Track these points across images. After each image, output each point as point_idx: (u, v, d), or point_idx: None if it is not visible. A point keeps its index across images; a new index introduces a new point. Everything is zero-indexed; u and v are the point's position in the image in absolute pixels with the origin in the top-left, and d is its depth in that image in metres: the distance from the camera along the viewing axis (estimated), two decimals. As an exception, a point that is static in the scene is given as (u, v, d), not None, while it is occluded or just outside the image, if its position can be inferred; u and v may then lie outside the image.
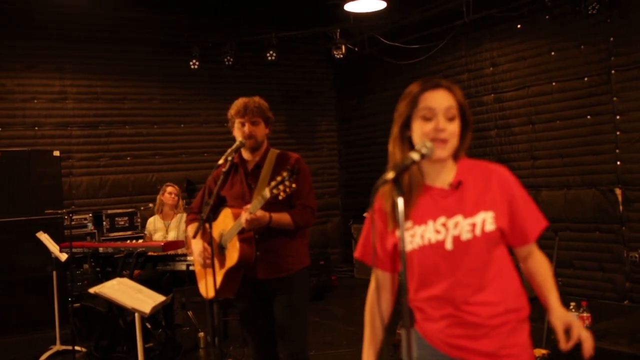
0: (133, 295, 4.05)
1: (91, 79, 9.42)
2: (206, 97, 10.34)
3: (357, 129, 11.31)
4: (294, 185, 3.17)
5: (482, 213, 2.09)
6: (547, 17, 7.86)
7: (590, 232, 7.55)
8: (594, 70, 7.42)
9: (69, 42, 9.20)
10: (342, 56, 9.51)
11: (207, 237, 3.37)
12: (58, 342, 6.53)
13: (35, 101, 9.03)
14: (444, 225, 2.10)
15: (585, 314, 4.83)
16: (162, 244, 5.85)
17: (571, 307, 4.87)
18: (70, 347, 5.89)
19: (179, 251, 6.03)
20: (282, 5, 9.41)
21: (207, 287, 3.49)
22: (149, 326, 5.94)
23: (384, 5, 8.19)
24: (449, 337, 2.11)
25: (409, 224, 2.13)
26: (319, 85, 11.63)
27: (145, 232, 7.19)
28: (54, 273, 6.53)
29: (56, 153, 8.21)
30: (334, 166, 11.76)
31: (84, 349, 6.26)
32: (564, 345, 2.06)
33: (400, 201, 1.75)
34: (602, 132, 7.38)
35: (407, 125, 2.15)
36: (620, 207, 7.27)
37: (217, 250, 3.58)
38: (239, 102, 3.65)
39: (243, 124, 3.60)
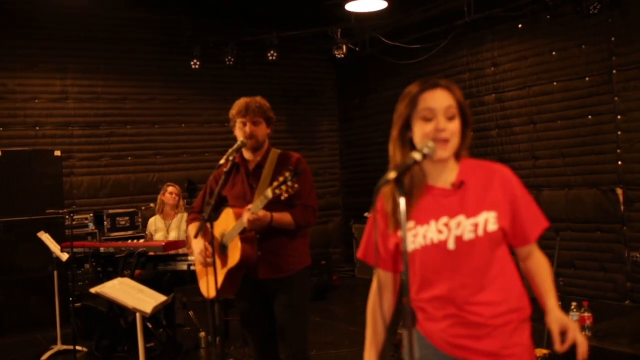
0: (134, 295, 4.05)
1: (92, 79, 9.42)
2: (207, 97, 10.34)
3: (358, 129, 11.31)
4: (296, 186, 3.17)
5: (484, 213, 2.09)
6: (548, 16, 7.86)
7: (591, 232, 7.55)
8: (595, 70, 7.41)
9: (70, 42, 9.20)
10: (343, 56, 9.51)
11: (209, 237, 3.37)
12: (59, 341, 6.53)
13: (36, 101, 9.03)
14: (446, 225, 2.10)
15: (586, 314, 4.83)
16: (163, 243, 5.85)
17: (572, 307, 4.86)
18: (71, 347, 5.90)
19: (180, 251, 6.03)
20: (283, 5, 9.40)
21: (208, 287, 3.49)
22: (150, 326, 5.94)
23: (385, 5, 8.19)
24: (451, 337, 2.11)
25: (411, 223, 2.13)
26: (320, 85, 11.63)
27: (146, 232, 7.19)
28: (55, 273, 6.53)
29: (57, 153, 8.21)
30: (335, 166, 11.76)
31: (85, 349, 6.26)
32: (559, 347, 2.06)
33: (402, 201, 1.74)
34: (603, 132, 7.37)
35: (407, 127, 2.15)
36: (622, 207, 7.26)
37: (219, 250, 3.58)
38: (241, 102, 3.65)
39: (244, 124, 3.60)
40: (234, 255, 3.47)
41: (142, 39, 9.71)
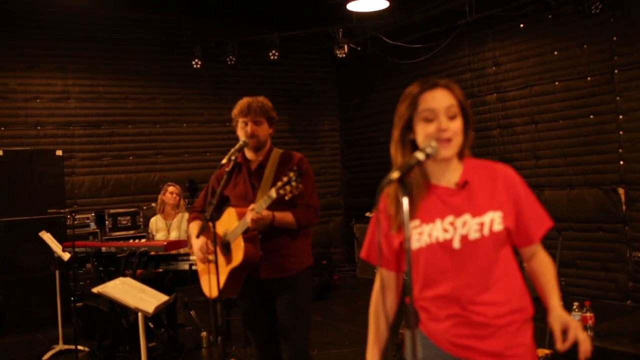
0: (136, 295, 4.05)
1: (93, 79, 9.43)
2: (208, 97, 10.35)
3: (359, 129, 11.31)
4: (300, 186, 3.17)
5: (490, 213, 2.09)
6: (549, 16, 7.85)
7: (593, 231, 7.54)
8: (597, 70, 7.41)
9: (71, 42, 9.21)
10: (344, 55, 9.52)
11: (211, 237, 3.37)
12: (61, 341, 6.54)
13: (38, 101, 9.04)
14: (452, 224, 2.10)
15: (588, 314, 4.82)
16: (165, 243, 5.85)
17: (574, 307, 4.85)
18: (73, 347, 5.90)
19: (182, 251, 6.03)
20: (284, 5, 9.40)
21: (210, 287, 3.49)
22: (151, 326, 5.94)
23: (386, 4, 8.18)
24: (454, 337, 2.11)
25: (416, 222, 2.13)
26: (321, 85, 11.63)
27: (148, 232, 7.20)
28: (57, 272, 6.53)
29: (59, 152, 8.21)
30: (336, 166, 11.76)
31: (86, 349, 6.26)
32: (561, 346, 2.06)
33: (405, 201, 1.74)
34: (605, 132, 7.37)
35: (408, 128, 2.15)
36: (623, 207, 7.26)
37: (221, 248, 3.58)
38: (243, 102, 3.65)
39: (246, 124, 3.60)
40: (237, 255, 3.47)
41: (143, 39, 9.72)
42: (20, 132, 8.86)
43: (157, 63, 9.89)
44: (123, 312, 5.97)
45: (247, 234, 3.44)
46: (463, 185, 2.13)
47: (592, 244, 7.56)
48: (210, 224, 3.23)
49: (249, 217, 3.32)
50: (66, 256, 6.16)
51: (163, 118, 9.98)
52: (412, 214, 2.10)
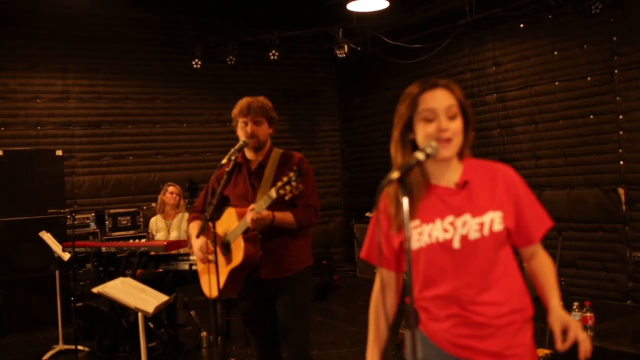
0: (136, 295, 4.05)
1: (93, 79, 9.43)
2: (208, 97, 10.35)
3: (359, 129, 11.31)
4: (301, 187, 3.17)
5: (490, 213, 2.09)
6: (549, 16, 7.85)
7: (593, 231, 7.54)
8: (597, 70, 7.41)
9: (71, 42, 9.21)
10: (344, 55, 9.52)
11: (211, 237, 3.37)
12: (61, 341, 6.54)
13: (38, 100, 9.04)
14: (452, 224, 2.10)
15: (588, 314, 4.82)
16: (165, 243, 5.85)
17: (574, 307, 4.85)
18: (73, 347, 5.90)
19: (182, 251, 6.03)
20: (284, 5, 9.40)
21: (210, 287, 3.49)
22: (151, 326, 5.94)
23: (386, 4, 8.18)
24: (454, 337, 2.11)
25: (416, 222, 2.13)
26: (321, 85, 11.63)
27: (148, 232, 7.20)
28: (57, 272, 6.53)
29: (59, 152, 8.21)
30: (336, 166, 11.76)
31: (86, 349, 6.26)
32: (561, 345, 2.06)
33: (405, 201, 1.74)
34: (605, 132, 7.37)
35: (408, 128, 2.14)
36: (623, 207, 7.26)
37: (221, 249, 3.58)
38: (243, 102, 3.65)
39: (246, 124, 3.60)
40: (237, 255, 3.47)
41: (143, 39, 9.72)
42: (20, 132, 8.87)
43: (157, 63, 9.90)
44: (123, 312, 5.97)
45: (247, 234, 3.44)
46: (463, 185, 2.13)
47: (592, 244, 7.56)
48: (210, 224, 3.23)
49: (249, 217, 3.32)
50: (66, 256, 6.16)
51: (163, 118, 9.98)
52: (412, 214, 2.10)
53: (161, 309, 4.57)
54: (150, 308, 3.88)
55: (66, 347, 6.47)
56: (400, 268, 2.28)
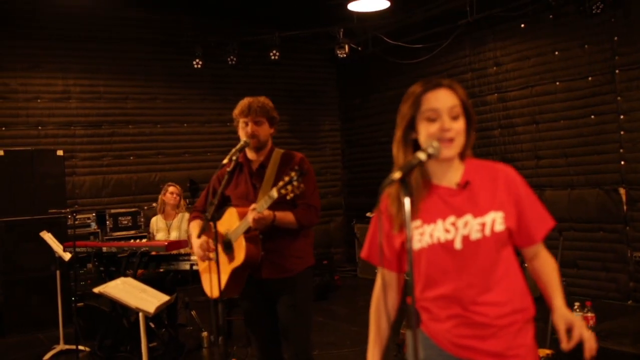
0: (137, 295, 4.05)
1: (94, 79, 9.43)
2: (209, 97, 10.35)
3: (360, 129, 11.31)
4: (302, 186, 3.16)
5: (492, 213, 2.09)
6: (550, 16, 7.84)
7: (594, 232, 7.54)
8: (598, 70, 7.41)
9: (71, 42, 9.20)
10: (345, 56, 9.52)
11: (212, 236, 3.37)
12: (62, 341, 6.54)
13: (39, 100, 9.04)
14: (453, 224, 2.10)
15: (589, 314, 4.83)
16: (166, 243, 5.85)
17: (575, 307, 4.86)
18: (73, 347, 5.90)
19: (182, 251, 6.03)
20: (284, 5, 9.40)
21: (212, 287, 3.49)
22: (152, 326, 5.94)
23: (387, 4, 8.18)
24: (456, 337, 2.11)
25: (418, 222, 2.13)
26: (322, 85, 11.63)
27: (149, 232, 7.20)
28: (58, 272, 6.53)
29: (59, 152, 8.22)
30: (337, 166, 11.76)
31: (87, 349, 6.25)
32: (566, 345, 2.05)
33: (407, 201, 1.74)
34: (606, 132, 7.37)
35: (411, 127, 2.14)
36: (624, 207, 7.25)
37: (223, 249, 3.58)
38: (243, 102, 3.65)
39: (246, 124, 3.60)
40: (239, 255, 3.47)
41: (143, 39, 9.72)
42: (21, 132, 8.87)
43: (158, 63, 9.90)
44: (124, 312, 5.97)
45: (248, 234, 3.44)
46: (464, 185, 2.13)
47: (593, 244, 7.55)
48: (212, 224, 3.23)
49: (251, 216, 3.32)
50: (67, 256, 6.16)
51: (164, 118, 9.98)
52: (414, 214, 2.10)
53: (162, 309, 4.58)
54: (151, 308, 3.88)
55: (67, 347, 6.47)
56: (401, 268, 2.28)
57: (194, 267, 5.87)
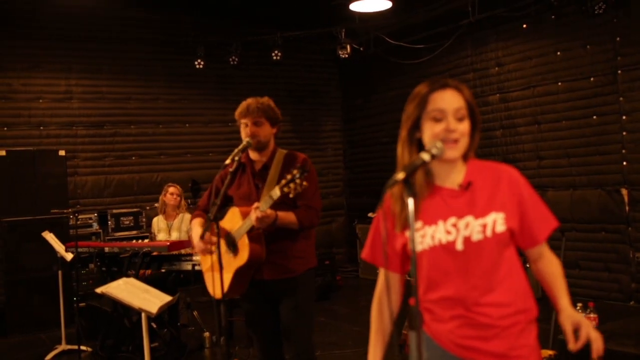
0: (140, 295, 4.05)
1: (96, 79, 9.43)
2: (211, 97, 10.35)
3: (362, 129, 11.31)
4: (305, 183, 3.17)
5: (493, 214, 2.08)
6: (552, 16, 7.84)
7: (596, 232, 7.53)
8: (600, 70, 7.40)
9: (72, 42, 9.20)
10: (347, 56, 9.52)
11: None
12: (63, 341, 6.54)
13: (41, 101, 9.04)
14: (454, 225, 2.09)
15: (592, 315, 4.81)
16: (168, 243, 5.85)
17: (578, 307, 4.85)
18: (75, 347, 5.91)
19: (183, 251, 6.03)
20: (286, 5, 9.40)
21: (215, 287, 3.48)
22: (154, 326, 5.95)
23: (389, 5, 8.18)
24: (459, 338, 2.11)
25: (419, 224, 2.13)
26: (324, 85, 11.63)
27: (151, 232, 7.21)
28: (60, 273, 6.53)
29: (61, 153, 8.22)
30: (338, 166, 11.76)
31: (89, 349, 6.26)
32: (573, 345, 2.05)
33: (410, 202, 1.74)
34: (608, 133, 7.36)
35: (416, 127, 2.14)
36: (627, 208, 7.25)
37: (226, 247, 3.57)
38: (244, 103, 3.67)
39: (246, 125, 3.61)
40: (243, 255, 3.47)
41: (145, 39, 9.73)
42: (23, 132, 8.87)
43: (160, 63, 9.90)
44: (125, 312, 5.97)
45: (251, 233, 3.44)
46: (467, 186, 2.13)
47: (595, 245, 7.55)
48: (214, 224, 3.23)
49: (254, 215, 3.32)
50: (69, 256, 6.17)
51: (166, 118, 9.98)
52: (415, 215, 2.10)
53: (164, 309, 4.58)
54: (153, 308, 3.88)
55: (69, 347, 6.48)
56: (403, 269, 2.28)
57: (196, 268, 5.87)
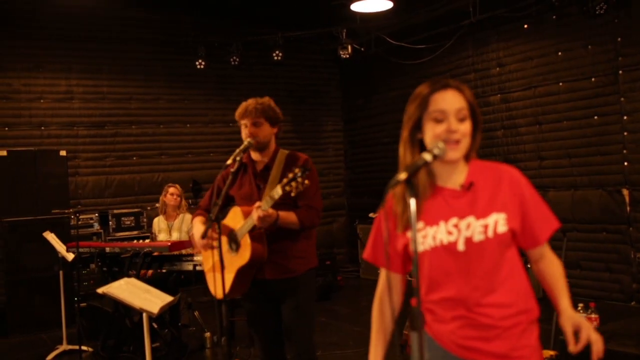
0: (141, 296, 4.06)
1: (97, 79, 9.44)
2: (212, 97, 10.35)
3: (363, 129, 11.31)
4: (307, 182, 3.17)
5: (494, 214, 2.08)
6: (554, 17, 7.84)
7: (597, 232, 7.53)
8: (601, 71, 7.39)
9: (75, 42, 9.22)
10: (348, 56, 9.52)
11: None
12: (65, 341, 6.54)
13: (42, 101, 9.05)
14: (455, 226, 2.09)
15: (593, 316, 4.82)
16: (169, 244, 5.85)
17: (579, 308, 4.85)
18: (76, 347, 5.91)
19: (184, 251, 6.03)
20: (287, 5, 9.40)
21: (217, 287, 3.48)
22: (155, 326, 5.95)
23: (390, 5, 8.18)
24: (460, 339, 2.10)
25: (420, 224, 2.13)
26: (325, 85, 11.63)
27: (152, 232, 7.21)
28: (61, 273, 6.53)
29: (62, 153, 8.23)
30: (339, 166, 11.76)
31: (90, 349, 6.26)
32: (573, 347, 2.05)
33: (412, 202, 1.74)
34: (609, 133, 7.36)
35: (417, 128, 2.14)
36: (628, 208, 7.24)
37: (229, 246, 3.57)
38: (243, 104, 3.67)
39: (246, 125, 3.61)
40: (245, 253, 3.47)
41: (147, 39, 9.73)
42: (24, 132, 8.88)
43: (161, 63, 9.91)
44: (127, 313, 5.97)
45: (253, 232, 3.45)
46: (468, 187, 2.13)
47: (596, 245, 7.54)
48: (216, 224, 3.23)
49: (256, 214, 3.32)
50: (70, 256, 6.17)
51: (167, 118, 9.99)
52: (417, 216, 2.10)
53: (165, 310, 4.58)
54: (155, 309, 3.88)
55: (70, 347, 6.48)
56: (404, 269, 2.28)
57: (197, 268, 5.87)
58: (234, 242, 3.54)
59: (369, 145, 11.08)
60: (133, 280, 4.32)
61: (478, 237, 2.06)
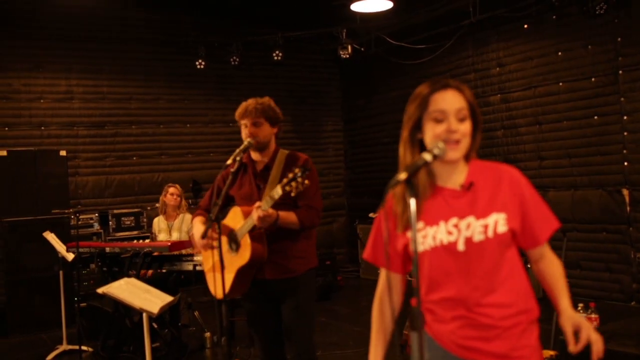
0: (141, 296, 4.05)
1: (97, 79, 9.44)
2: (212, 97, 10.35)
3: (363, 129, 11.31)
4: (306, 182, 3.17)
5: (494, 214, 2.08)
6: (554, 17, 7.84)
7: (597, 232, 7.53)
8: (601, 71, 7.39)
9: (75, 42, 9.22)
10: (348, 56, 9.52)
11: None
12: (65, 341, 6.54)
13: (42, 101, 9.05)
14: (455, 226, 2.09)
15: (593, 316, 4.82)
16: (169, 244, 5.85)
17: (579, 308, 4.85)
18: (76, 347, 5.91)
19: (184, 251, 6.03)
20: (287, 6, 9.40)
21: (217, 287, 3.48)
22: (155, 326, 5.95)
23: (390, 5, 8.18)
24: (460, 339, 2.10)
25: (420, 224, 2.13)
26: (325, 85, 11.63)
27: (152, 232, 7.21)
28: (61, 273, 6.53)
29: (62, 153, 8.23)
30: (339, 166, 11.76)
31: (90, 349, 6.27)
32: (573, 347, 2.05)
33: (412, 202, 1.74)
34: (610, 133, 7.36)
35: (417, 128, 2.14)
36: (628, 208, 7.24)
37: (229, 246, 3.57)
38: (243, 104, 3.67)
39: (245, 125, 3.61)
40: (245, 253, 3.47)
41: (148, 39, 9.73)
42: (24, 132, 8.88)
43: (160, 63, 9.91)
44: (127, 313, 5.97)
45: (253, 232, 3.45)
46: (468, 187, 2.13)
47: (596, 245, 7.54)
48: (216, 224, 3.23)
49: (256, 214, 3.32)
50: (70, 256, 6.17)
51: (167, 118, 9.99)
52: (417, 216, 2.10)
53: (165, 310, 4.58)
54: (155, 309, 3.88)
55: (70, 347, 6.48)
56: (404, 269, 2.28)
57: (197, 268, 5.87)
58: (234, 242, 3.55)
59: (369, 145, 11.08)
60: (133, 280, 4.32)
61: (478, 237, 2.06)
